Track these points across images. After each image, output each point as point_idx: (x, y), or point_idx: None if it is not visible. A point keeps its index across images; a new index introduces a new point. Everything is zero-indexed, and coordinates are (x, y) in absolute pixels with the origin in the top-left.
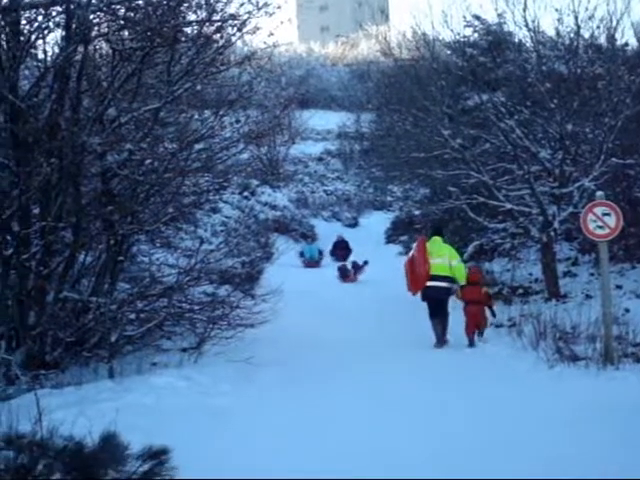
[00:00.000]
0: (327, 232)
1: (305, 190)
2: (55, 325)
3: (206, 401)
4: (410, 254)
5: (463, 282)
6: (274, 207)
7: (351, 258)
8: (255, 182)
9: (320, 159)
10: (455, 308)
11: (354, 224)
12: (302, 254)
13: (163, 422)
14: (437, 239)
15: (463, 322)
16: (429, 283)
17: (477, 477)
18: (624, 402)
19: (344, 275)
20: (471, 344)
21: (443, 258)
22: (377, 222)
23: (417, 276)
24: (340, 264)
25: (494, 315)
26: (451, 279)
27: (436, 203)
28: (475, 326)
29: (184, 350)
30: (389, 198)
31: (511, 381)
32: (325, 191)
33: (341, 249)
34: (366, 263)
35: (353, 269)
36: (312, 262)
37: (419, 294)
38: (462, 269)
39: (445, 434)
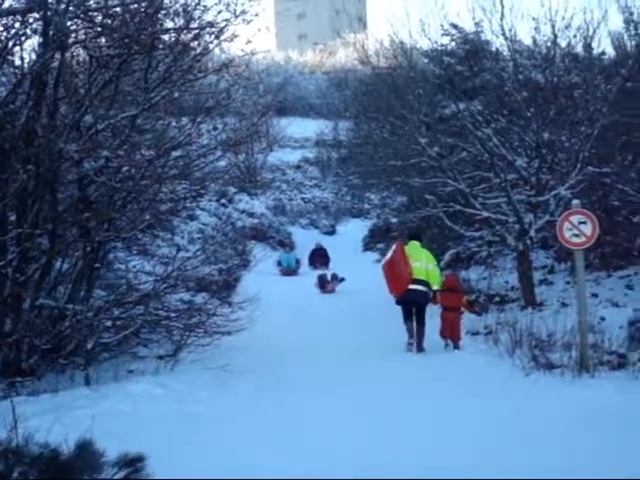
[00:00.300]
0: (305, 239)
1: (283, 197)
2: (31, 332)
3: (182, 408)
4: (388, 256)
5: (437, 287)
6: (251, 214)
7: (330, 266)
8: (232, 189)
9: (298, 167)
10: (431, 316)
11: (332, 232)
12: (279, 263)
13: (139, 429)
14: (415, 243)
15: (437, 329)
16: (410, 286)
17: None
18: (599, 410)
19: (323, 285)
20: (447, 346)
21: (421, 262)
22: (355, 230)
23: (399, 278)
24: (320, 273)
25: (480, 315)
26: (428, 283)
27: (413, 211)
28: (451, 331)
29: (160, 357)
30: (366, 206)
31: (487, 389)
32: (303, 199)
33: (319, 257)
34: (343, 279)
35: (332, 280)
36: (289, 271)
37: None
38: (437, 274)
39: (420, 443)
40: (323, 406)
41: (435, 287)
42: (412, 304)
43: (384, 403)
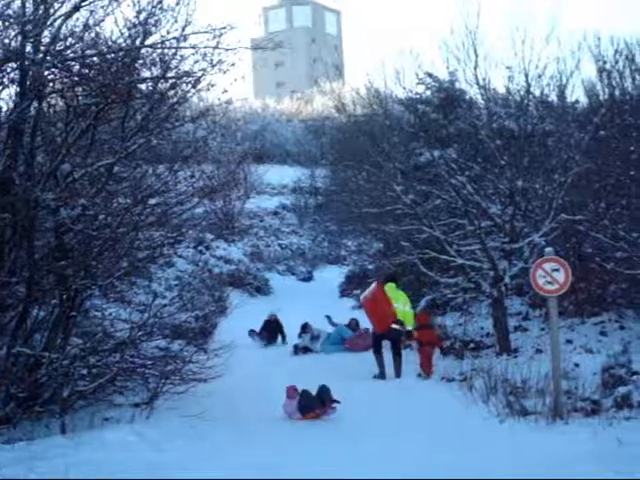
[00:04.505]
0: (282, 286)
1: (260, 244)
2: (7, 380)
3: (157, 457)
4: (368, 294)
5: (410, 327)
6: (229, 261)
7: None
8: (210, 236)
9: (275, 213)
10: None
11: (309, 278)
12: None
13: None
14: (392, 285)
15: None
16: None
17: None
18: (573, 457)
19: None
20: (419, 375)
21: (399, 304)
22: (331, 276)
23: (385, 317)
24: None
25: (443, 352)
26: (402, 322)
27: (389, 257)
28: (430, 363)
29: (136, 405)
30: (343, 252)
31: (462, 435)
32: (280, 245)
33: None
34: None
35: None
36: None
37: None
38: (412, 315)
39: None
40: (298, 456)
41: (409, 327)
42: (388, 339)
43: (357, 451)
